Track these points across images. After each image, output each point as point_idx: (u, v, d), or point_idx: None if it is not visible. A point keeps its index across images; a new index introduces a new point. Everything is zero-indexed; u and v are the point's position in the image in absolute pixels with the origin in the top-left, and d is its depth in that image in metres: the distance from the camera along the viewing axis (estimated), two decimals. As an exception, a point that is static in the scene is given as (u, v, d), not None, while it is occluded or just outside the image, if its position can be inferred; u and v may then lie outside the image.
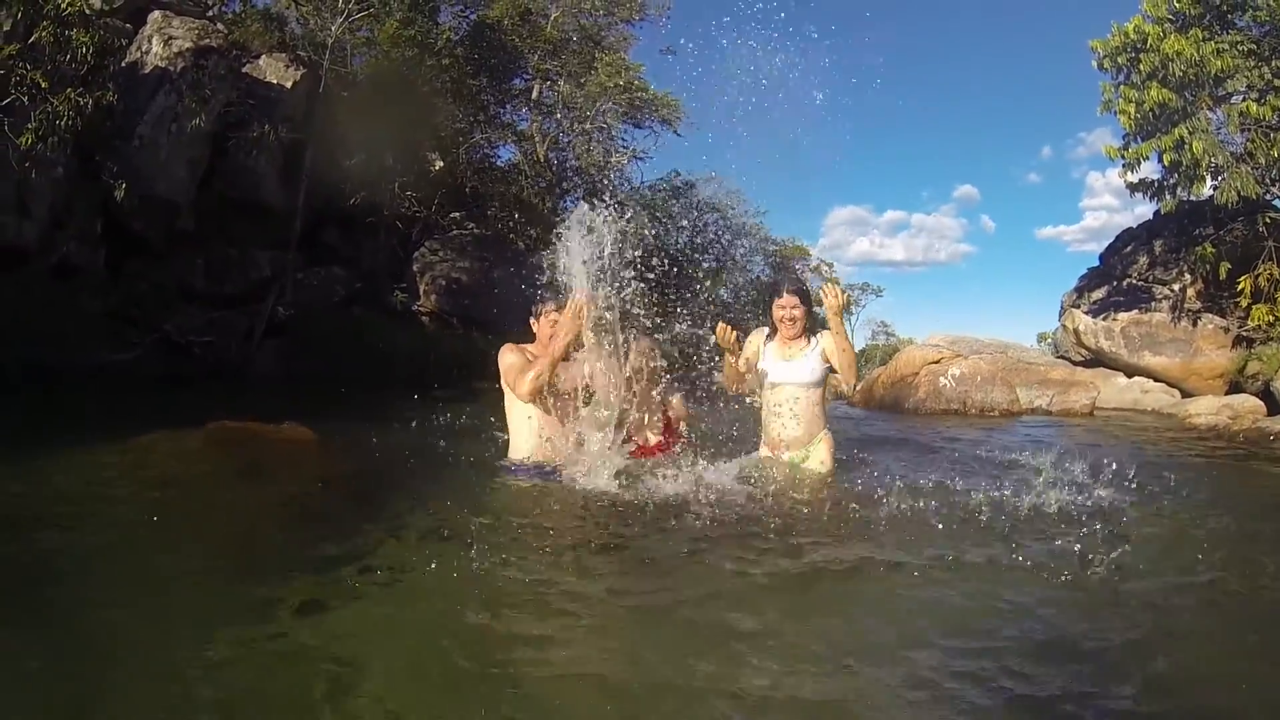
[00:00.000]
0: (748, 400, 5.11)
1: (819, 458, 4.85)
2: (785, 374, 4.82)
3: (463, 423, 6.41)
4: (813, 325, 5.01)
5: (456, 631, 2.40)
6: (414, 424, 6.30)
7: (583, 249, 4.56)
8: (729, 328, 4.87)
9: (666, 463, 4.46)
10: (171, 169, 9.61)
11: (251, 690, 2.08)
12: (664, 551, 3.15)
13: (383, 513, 3.49)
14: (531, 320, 4.80)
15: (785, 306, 4.88)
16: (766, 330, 4.98)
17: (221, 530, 3.27)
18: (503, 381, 4.62)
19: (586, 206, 4.67)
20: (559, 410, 4.58)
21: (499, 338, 6.31)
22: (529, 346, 4.73)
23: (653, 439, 4.81)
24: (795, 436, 4.83)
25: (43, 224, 8.10)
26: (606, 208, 4.70)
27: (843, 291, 4.89)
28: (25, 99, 7.50)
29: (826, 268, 34.18)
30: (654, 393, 4.85)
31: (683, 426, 4.96)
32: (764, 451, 4.86)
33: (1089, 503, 4.39)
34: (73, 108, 7.76)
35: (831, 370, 4.90)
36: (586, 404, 4.64)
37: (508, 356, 4.58)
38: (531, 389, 4.43)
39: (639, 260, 4.63)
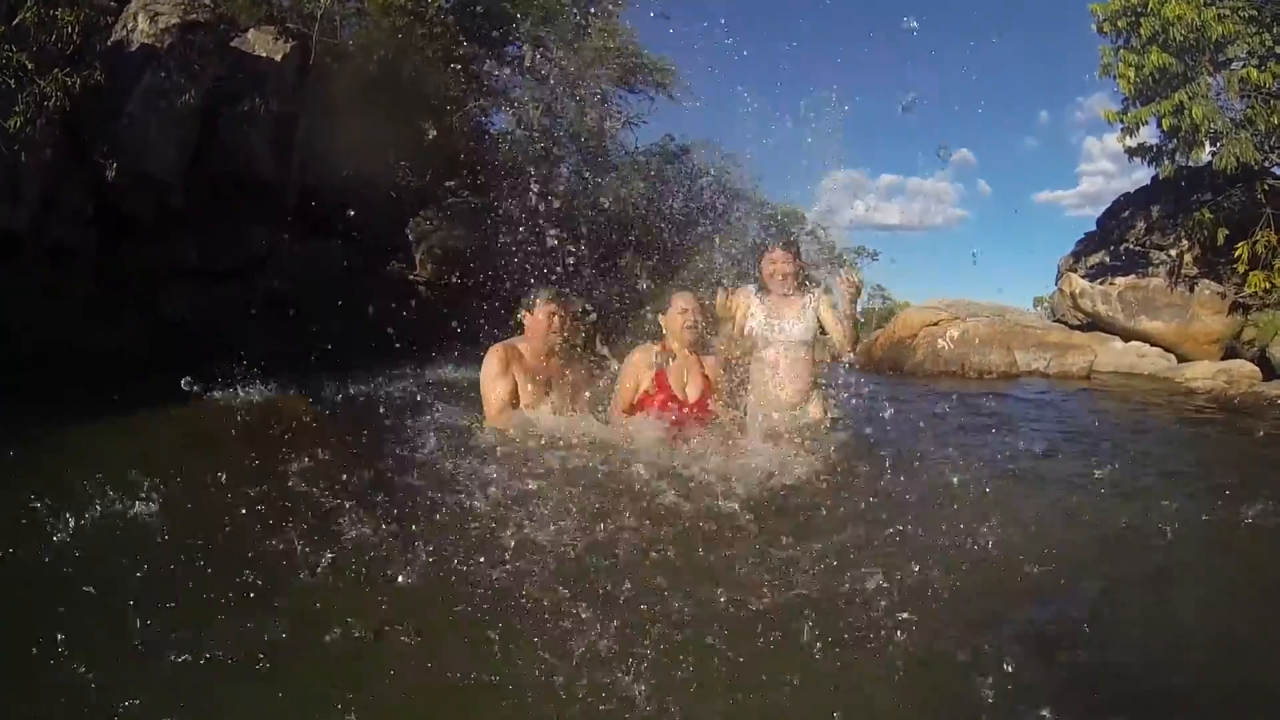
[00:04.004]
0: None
1: (813, 415, 4.80)
2: (776, 332, 4.74)
3: (459, 389, 6.44)
4: (805, 281, 4.95)
5: (459, 622, 2.45)
6: (413, 393, 6.33)
7: None
8: (729, 295, 4.81)
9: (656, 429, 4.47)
10: (162, 147, 9.48)
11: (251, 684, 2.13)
12: (653, 527, 3.20)
13: (387, 486, 3.56)
14: (523, 314, 4.78)
15: (775, 261, 4.79)
16: (754, 287, 4.90)
17: (225, 507, 3.31)
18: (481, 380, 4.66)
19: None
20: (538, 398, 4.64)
21: (495, 305, 6.31)
22: (518, 342, 4.72)
23: (693, 396, 4.78)
24: (787, 398, 4.74)
25: (33, 208, 8.02)
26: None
27: (857, 278, 4.78)
28: (11, 82, 7.41)
29: (822, 231, 33.97)
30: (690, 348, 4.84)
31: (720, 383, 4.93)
32: (753, 411, 4.74)
33: (1096, 468, 4.43)
34: (60, 88, 7.67)
35: (824, 332, 4.84)
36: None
37: (488, 375, 4.63)
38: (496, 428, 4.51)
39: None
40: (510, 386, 4.57)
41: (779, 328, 4.74)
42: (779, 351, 4.77)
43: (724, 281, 5.06)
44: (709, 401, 4.77)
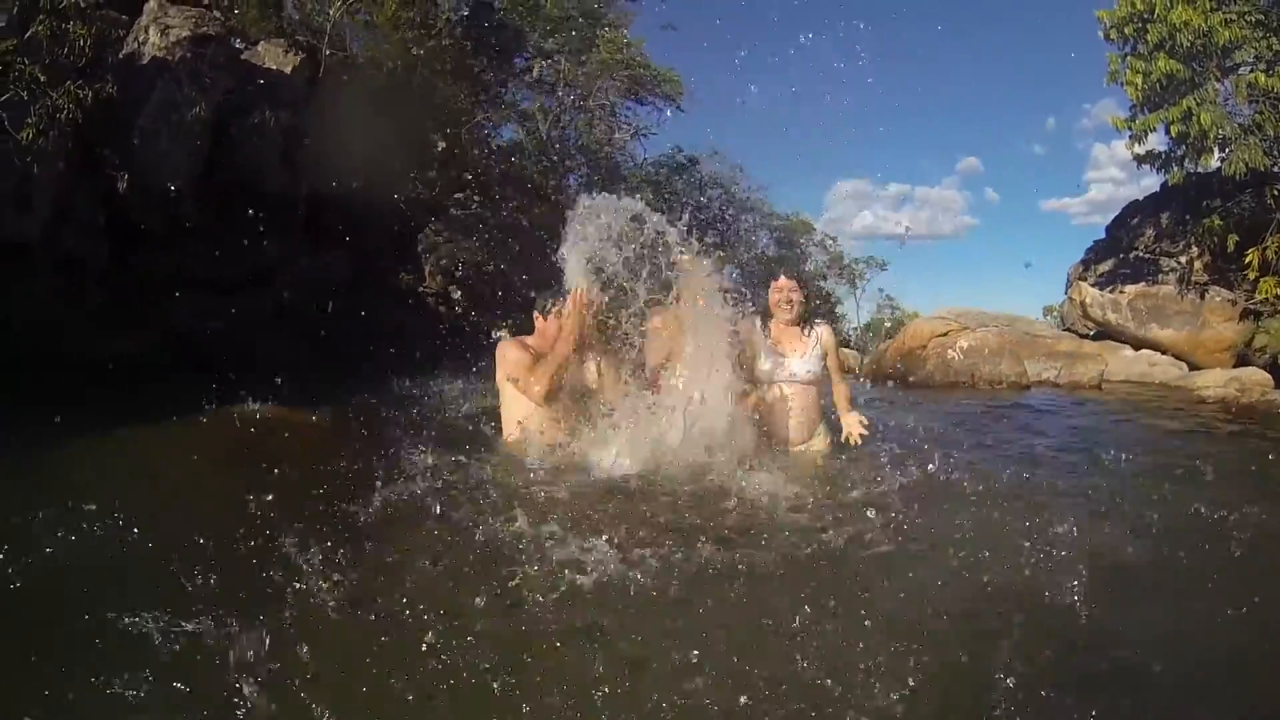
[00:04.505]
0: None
1: (818, 448, 4.82)
2: (784, 371, 4.74)
3: (469, 403, 6.45)
4: (809, 311, 4.95)
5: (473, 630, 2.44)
6: (422, 405, 6.33)
7: (586, 243, 4.51)
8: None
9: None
10: (173, 159, 9.55)
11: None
12: (660, 541, 3.19)
13: (397, 500, 3.54)
14: (537, 315, 4.77)
15: (782, 289, 4.79)
16: (758, 320, 4.89)
17: (234, 517, 3.32)
18: (500, 378, 4.62)
19: (587, 198, 4.62)
20: (560, 409, 4.58)
21: (504, 317, 6.34)
22: (529, 339, 4.71)
23: None
24: (793, 436, 4.76)
25: (45, 218, 8.08)
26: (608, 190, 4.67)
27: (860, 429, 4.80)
28: (24, 94, 7.48)
29: (831, 241, 33.93)
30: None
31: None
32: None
33: (1107, 480, 4.40)
34: (72, 101, 7.74)
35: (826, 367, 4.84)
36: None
37: (511, 353, 4.54)
38: (545, 389, 4.42)
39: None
40: (531, 362, 4.53)
41: (786, 366, 4.74)
42: (785, 390, 4.76)
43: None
44: None
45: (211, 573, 2.70)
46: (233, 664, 2.21)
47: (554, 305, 4.69)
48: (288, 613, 2.50)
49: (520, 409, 4.60)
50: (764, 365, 4.75)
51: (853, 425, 4.73)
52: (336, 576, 2.75)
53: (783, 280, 4.83)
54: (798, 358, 4.74)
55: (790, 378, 4.74)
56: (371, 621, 2.48)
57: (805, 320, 4.86)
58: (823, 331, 4.85)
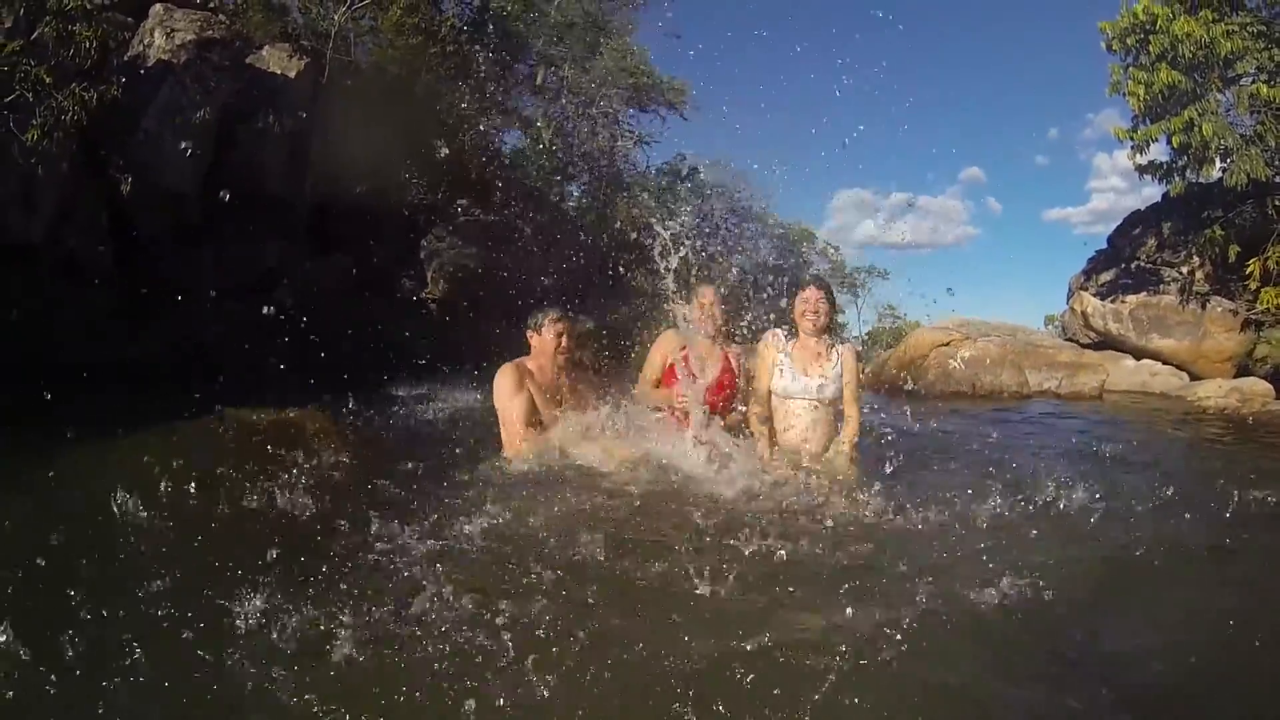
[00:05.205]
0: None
1: (830, 464, 4.75)
2: (805, 389, 4.66)
3: (470, 407, 6.46)
4: (834, 323, 4.90)
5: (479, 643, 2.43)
6: (423, 412, 6.33)
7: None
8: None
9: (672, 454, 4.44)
10: (177, 162, 9.60)
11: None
12: (664, 552, 3.18)
13: (391, 511, 3.53)
14: (529, 333, 4.79)
15: (809, 300, 4.68)
16: (779, 332, 4.83)
17: (245, 520, 3.32)
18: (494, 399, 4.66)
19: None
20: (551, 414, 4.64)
21: (506, 323, 6.35)
22: (527, 361, 4.75)
23: (710, 377, 4.79)
24: (810, 450, 4.70)
25: (49, 220, 8.12)
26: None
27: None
28: (30, 95, 7.51)
29: (833, 250, 33.93)
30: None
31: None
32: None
33: (1107, 490, 4.39)
34: (77, 103, 7.77)
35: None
36: None
37: (505, 392, 4.62)
38: (509, 454, 4.50)
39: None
40: (527, 403, 4.57)
41: (808, 383, 4.65)
42: (806, 407, 4.68)
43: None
44: (724, 390, 4.82)
45: (206, 580, 2.70)
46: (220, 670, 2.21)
47: (543, 320, 4.74)
48: (280, 618, 2.49)
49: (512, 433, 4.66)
50: (786, 379, 4.67)
51: (842, 471, 4.59)
52: (321, 580, 2.75)
53: (810, 291, 4.68)
54: (821, 376, 4.65)
55: (811, 394, 4.68)
56: (350, 632, 2.46)
57: (829, 332, 4.79)
58: (845, 351, 4.74)
